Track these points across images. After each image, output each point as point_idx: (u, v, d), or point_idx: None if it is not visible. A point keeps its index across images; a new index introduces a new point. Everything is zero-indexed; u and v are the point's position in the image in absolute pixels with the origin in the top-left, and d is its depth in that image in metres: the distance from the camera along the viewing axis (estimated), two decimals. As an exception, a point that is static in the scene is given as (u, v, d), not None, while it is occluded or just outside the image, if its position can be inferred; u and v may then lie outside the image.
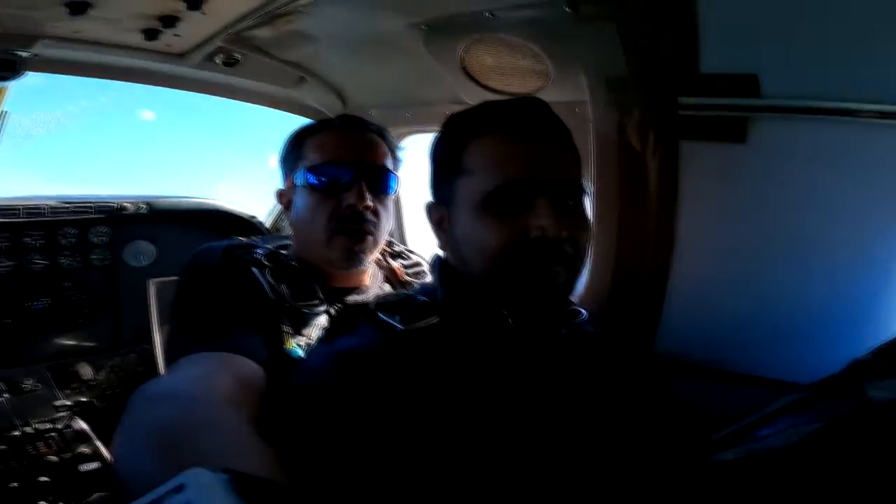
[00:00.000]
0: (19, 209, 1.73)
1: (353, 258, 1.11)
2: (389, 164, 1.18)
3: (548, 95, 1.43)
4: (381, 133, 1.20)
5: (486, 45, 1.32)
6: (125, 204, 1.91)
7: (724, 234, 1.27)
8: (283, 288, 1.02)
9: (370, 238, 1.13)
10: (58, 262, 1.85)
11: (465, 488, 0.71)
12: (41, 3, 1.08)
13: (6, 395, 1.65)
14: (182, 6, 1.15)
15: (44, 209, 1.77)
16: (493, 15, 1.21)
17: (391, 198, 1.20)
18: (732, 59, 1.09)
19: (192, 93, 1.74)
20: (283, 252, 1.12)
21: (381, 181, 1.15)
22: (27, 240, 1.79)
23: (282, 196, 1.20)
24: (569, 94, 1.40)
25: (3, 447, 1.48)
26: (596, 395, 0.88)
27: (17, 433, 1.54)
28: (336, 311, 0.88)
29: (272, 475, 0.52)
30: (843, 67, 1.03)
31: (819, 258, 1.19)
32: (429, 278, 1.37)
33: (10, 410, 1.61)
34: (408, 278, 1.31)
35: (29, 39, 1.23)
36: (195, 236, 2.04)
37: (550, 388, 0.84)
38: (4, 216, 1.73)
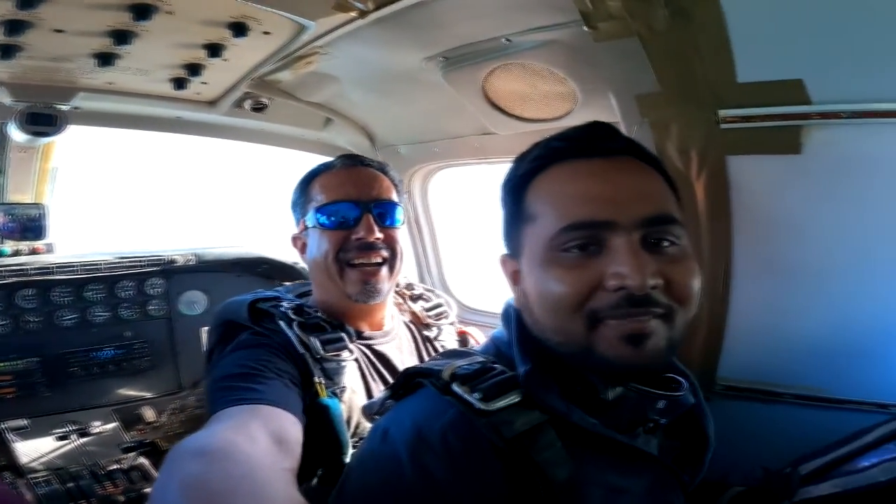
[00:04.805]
0: (77, 266, 1.86)
1: (370, 290, 1.12)
2: (394, 197, 1.20)
3: (576, 120, 1.38)
4: (382, 168, 1.23)
5: (507, 72, 1.29)
6: (175, 257, 2.04)
7: (786, 253, 1.17)
8: (313, 340, 1.04)
9: (384, 268, 1.15)
10: (118, 313, 1.99)
11: None
12: (73, 55, 1.14)
13: (76, 438, 1.76)
14: (203, 54, 1.19)
15: (100, 265, 1.90)
16: (509, 41, 1.18)
17: (399, 229, 1.20)
18: (772, 66, 0.99)
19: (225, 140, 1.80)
20: (307, 305, 1.13)
21: (387, 214, 1.17)
22: (88, 294, 1.92)
23: (296, 240, 1.24)
24: (599, 115, 1.32)
25: (71, 485, 1.56)
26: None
27: (85, 473, 1.63)
28: (400, 377, 0.80)
29: None
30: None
31: (890, 270, 1.07)
32: (452, 318, 1.33)
33: (79, 452, 1.72)
34: (429, 321, 1.30)
35: (67, 93, 1.31)
36: (244, 283, 2.16)
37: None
38: (65, 273, 1.85)
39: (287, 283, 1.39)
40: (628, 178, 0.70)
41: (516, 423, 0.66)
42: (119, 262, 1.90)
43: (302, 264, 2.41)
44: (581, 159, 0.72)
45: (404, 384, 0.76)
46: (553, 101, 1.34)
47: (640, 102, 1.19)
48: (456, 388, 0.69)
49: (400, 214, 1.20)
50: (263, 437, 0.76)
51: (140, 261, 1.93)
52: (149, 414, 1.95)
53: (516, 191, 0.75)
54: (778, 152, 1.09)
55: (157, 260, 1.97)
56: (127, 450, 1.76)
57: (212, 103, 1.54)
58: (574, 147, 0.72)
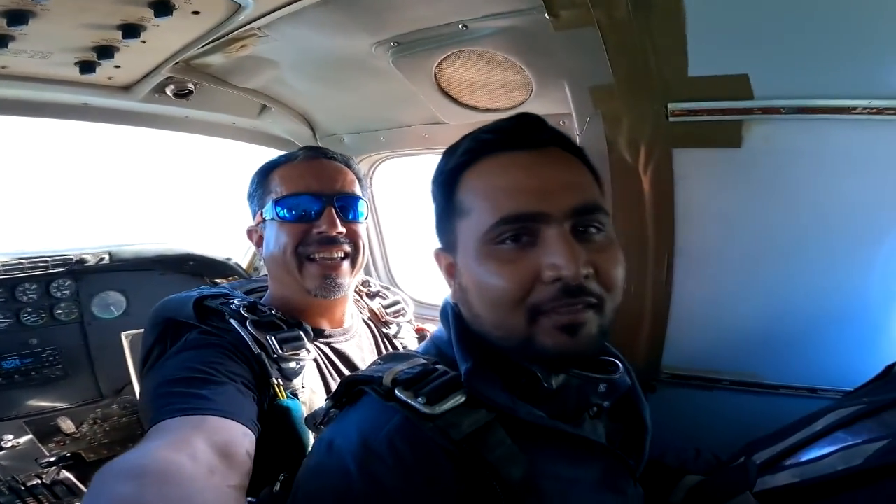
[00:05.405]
0: None
1: (330, 284, 1.08)
2: (357, 190, 1.16)
3: (530, 110, 1.36)
4: (346, 161, 1.18)
5: (461, 59, 1.23)
6: (84, 256, 1.85)
7: (725, 244, 1.22)
8: (270, 339, 0.98)
9: (345, 263, 1.11)
10: (21, 319, 1.81)
11: None
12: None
13: None
14: (117, 35, 1.03)
15: None
16: (465, 27, 1.13)
17: (362, 224, 1.16)
18: (721, 60, 1.02)
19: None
20: (260, 303, 1.06)
21: (350, 208, 1.13)
22: None
23: (252, 233, 1.18)
24: (552, 106, 1.33)
25: None
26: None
27: (3, 489, 1.49)
28: (340, 385, 0.77)
29: None
30: (835, 64, 0.97)
31: (822, 261, 1.14)
32: (409, 315, 1.30)
33: None
34: (388, 318, 1.27)
35: (-50, 78, 1.10)
36: (169, 283, 2.03)
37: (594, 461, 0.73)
38: None
39: (220, 281, 1.29)
40: (556, 169, 0.72)
41: (463, 425, 0.66)
42: (18, 264, 1.70)
43: (236, 260, 2.30)
44: (510, 152, 0.73)
45: (346, 393, 0.75)
46: (507, 90, 1.31)
47: (593, 94, 1.19)
48: (399, 393, 0.68)
49: (363, 208, 1.16)
50: (207, 454, 0.71)
51: (43, 261, 1.74)
52: (66, 425, 1.83)
53: (447, 185, 0.76)
54: (720, 146, 1.13)
55: (64, 259, 1.78)
56: (47, 465, 1.63)
57: (126, 89, 1.36)
58: (503, 139, 0.73)
